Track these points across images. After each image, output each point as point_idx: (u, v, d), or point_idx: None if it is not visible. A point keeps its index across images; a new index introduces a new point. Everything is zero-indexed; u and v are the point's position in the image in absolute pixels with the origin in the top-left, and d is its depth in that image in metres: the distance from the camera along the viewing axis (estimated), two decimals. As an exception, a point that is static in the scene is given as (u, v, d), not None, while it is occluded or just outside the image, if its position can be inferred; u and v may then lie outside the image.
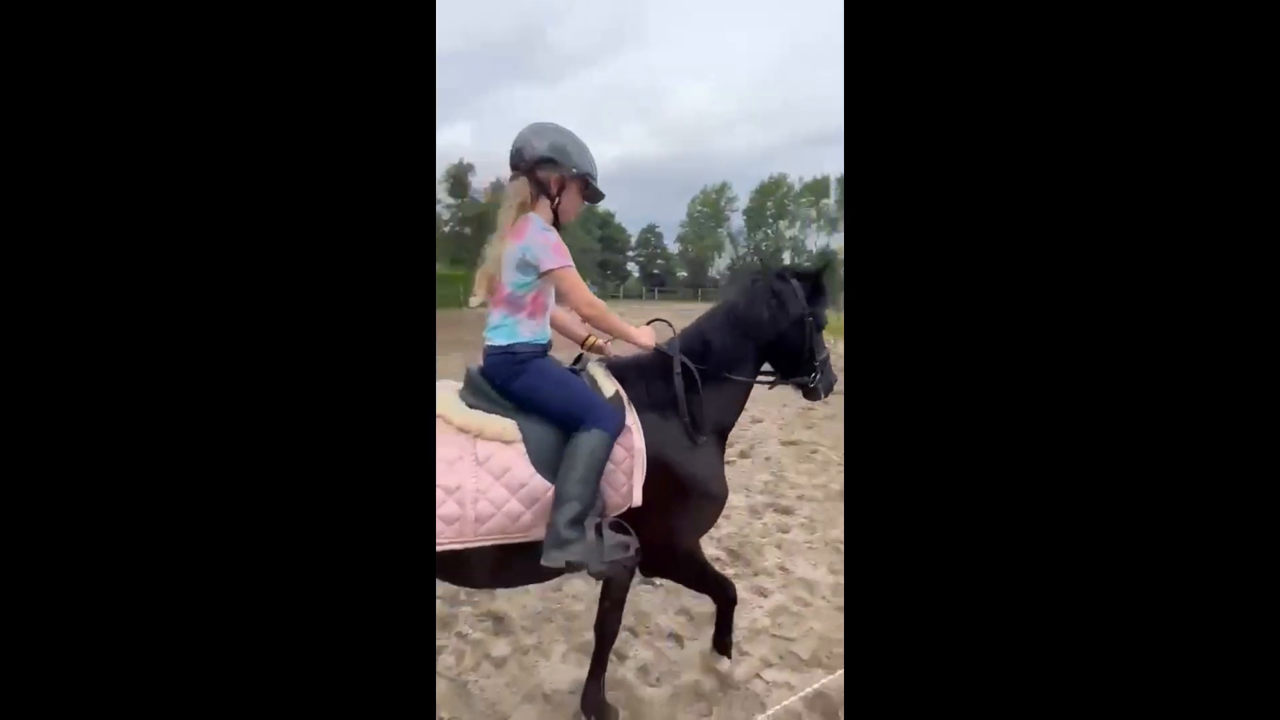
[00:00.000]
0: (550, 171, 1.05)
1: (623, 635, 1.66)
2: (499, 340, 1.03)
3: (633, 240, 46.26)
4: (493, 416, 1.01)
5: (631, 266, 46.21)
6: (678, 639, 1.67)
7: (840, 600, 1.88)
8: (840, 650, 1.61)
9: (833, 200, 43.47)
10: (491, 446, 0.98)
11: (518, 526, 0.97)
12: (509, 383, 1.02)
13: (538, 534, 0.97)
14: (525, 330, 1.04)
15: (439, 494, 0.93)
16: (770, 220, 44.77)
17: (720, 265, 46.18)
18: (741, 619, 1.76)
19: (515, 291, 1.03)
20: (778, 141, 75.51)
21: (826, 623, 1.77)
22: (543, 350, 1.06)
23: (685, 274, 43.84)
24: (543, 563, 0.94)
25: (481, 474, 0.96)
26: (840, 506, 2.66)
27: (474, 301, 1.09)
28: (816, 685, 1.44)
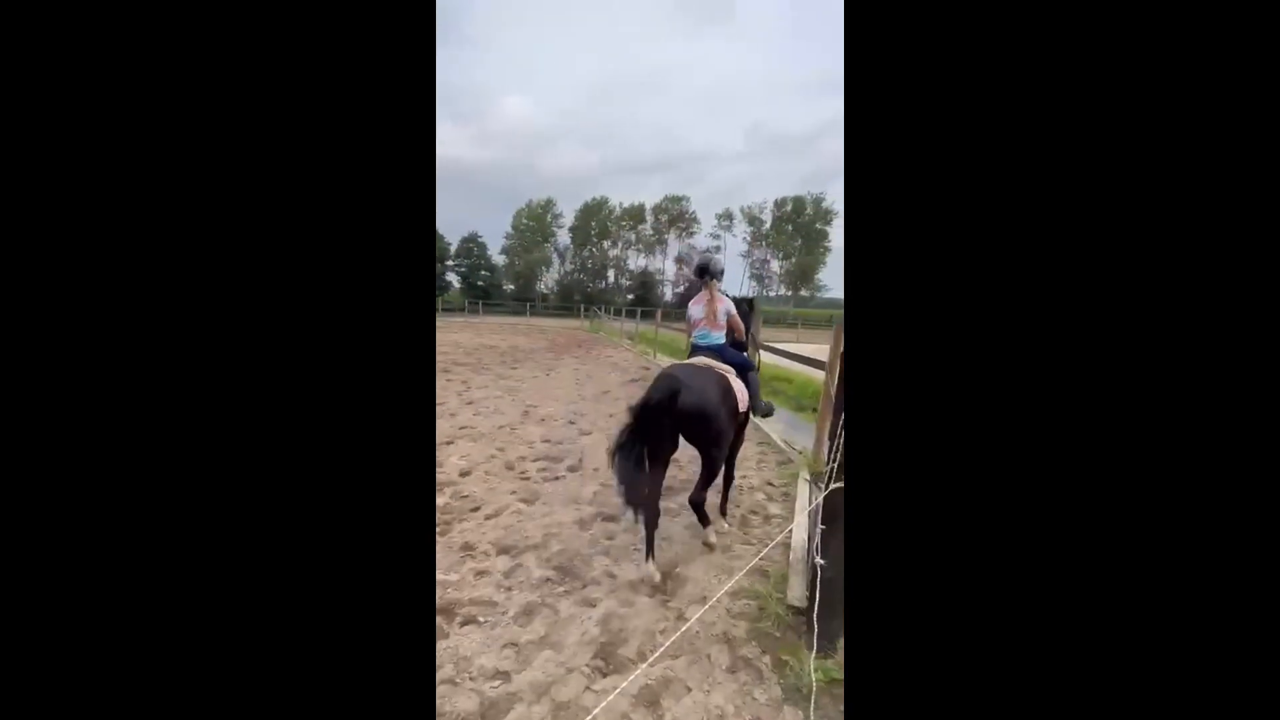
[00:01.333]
0: (717, 276, 2.51)
1: (440, 690, 1.49)
2: (718, 341, 2.43)
3: (452, 249, 42.76)
4: (726, 365, 2.33)
5: (452, 277, 42.50)
6: (505, 675, 1.57)
7: (660, 595, 2.03)
8: (661, 640, 1.74)
9: (649, 226, 47.69)
10: (732, 376, 2.27)
11: (745, 404, 2.31)
12: (725, 356, 2.40)
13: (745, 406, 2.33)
14: (724, 338, 2.47)
15: (735, 393, 2.22)
16: (594, 239, 46.64)
17: (549, 280, 46.09)
18: (571, 634, 1.75)
19: (721, 322, 2.46)
20: (597, 166, 79.36)
21: (647, 617, 1.88)
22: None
23: (512, 288, 42.32)
24: (755, 418, 2.78)
25: (739, 384, 2.28)
26: (662, 505, 2.87)
27: (704, 332, 2.47)
28: (632, 676, 1.51)
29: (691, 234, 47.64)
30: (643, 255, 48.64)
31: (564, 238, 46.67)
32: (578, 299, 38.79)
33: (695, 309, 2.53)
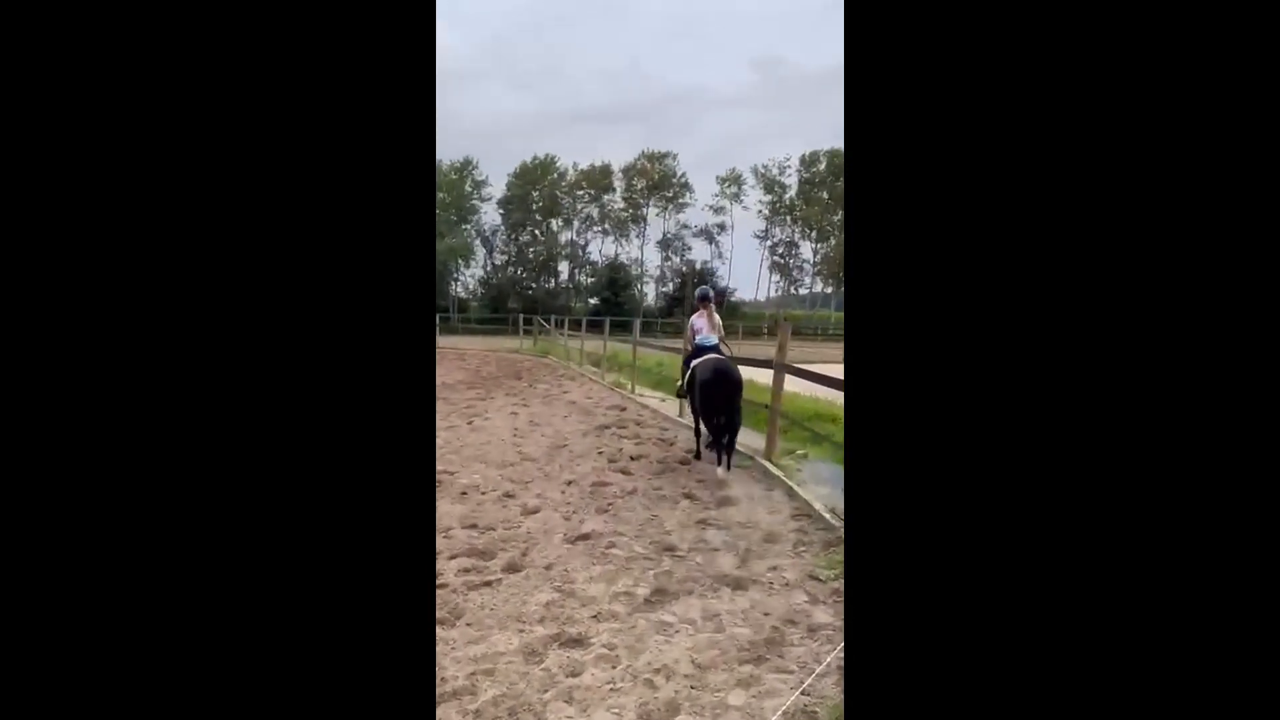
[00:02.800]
0: (712, 300, 6.47)
1: None
2: (715, 342, 5.87)
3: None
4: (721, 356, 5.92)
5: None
6: None
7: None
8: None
9: (618, 195, 47.81)
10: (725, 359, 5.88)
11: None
12: (719, 350, 5.87)
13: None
14: (717, 340, 5.97)
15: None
16: (537, 217, 46.10)
17: (469, 279, 45.02)
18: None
19: (720, 333, 6.13)
20: (537, 113, 79.83)
21: (640, 798, 1.83)
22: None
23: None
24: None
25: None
26: (653, 618, 2.86)
27: (706, 336, 5.96)
28: None
29: (681, 206, 47.58)
30: (611, 239, 48.22)
31: (491, 215, 45.81)
32: (514, 306, 37.93)
33: (699, 322, 5.98)
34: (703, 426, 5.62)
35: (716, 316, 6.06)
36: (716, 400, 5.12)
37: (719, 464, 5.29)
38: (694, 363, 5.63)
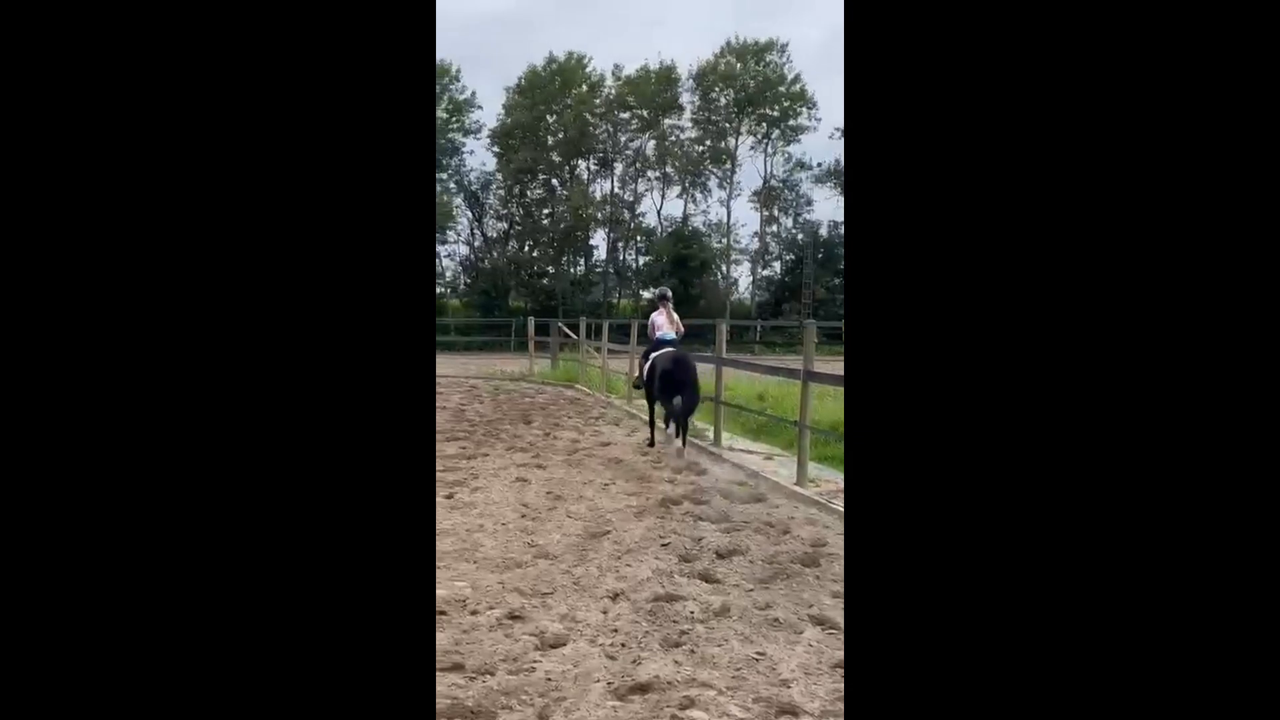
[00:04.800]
0: (670, 300, 7.61)
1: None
2: (674, 337, 6.86)
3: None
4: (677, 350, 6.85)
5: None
6: None
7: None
8: None
9: (688, 118, 27.87)
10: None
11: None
12: (677, 345, 6.91)
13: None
14: (675, 336, 6.97)
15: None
16: (554, 156, 27.75)
17: (445, 260, 27.26)
18: None
19: (678, 330, 7.17)
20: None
21: None
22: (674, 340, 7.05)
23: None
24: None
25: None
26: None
27: (666, 333, 6.85)
28: None
29: (796, 130, 27.90)
30: (677, 190, 28.69)
31: (483, 155, 27.98)
32: (519, 304, 25.29)
33: (660, 319, 6.84)
34: (659, 410, 6.49)
35: (675, 315, 7.06)
36: (676, 384, 6.01)
37: (675, 437, 6.22)
38: (654, 355, 6.45)
